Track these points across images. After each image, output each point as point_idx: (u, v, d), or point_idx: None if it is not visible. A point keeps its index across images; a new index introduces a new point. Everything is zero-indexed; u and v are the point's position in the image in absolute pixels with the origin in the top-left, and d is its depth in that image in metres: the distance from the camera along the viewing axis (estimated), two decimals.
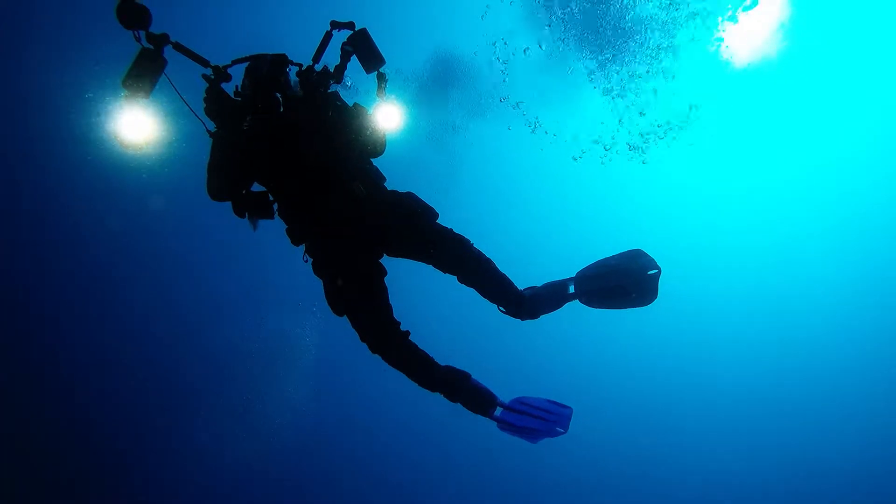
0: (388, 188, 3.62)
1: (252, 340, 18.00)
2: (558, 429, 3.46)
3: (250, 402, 17.84)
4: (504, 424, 3.48)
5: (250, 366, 17.83)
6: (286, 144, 3.30)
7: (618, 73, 12.59)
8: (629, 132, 13.92)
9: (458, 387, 3.46)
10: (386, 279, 3.59)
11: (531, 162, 18.64)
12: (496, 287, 3.62)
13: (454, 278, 3.63)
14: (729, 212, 21.11)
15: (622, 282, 3.66)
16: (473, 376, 3.55)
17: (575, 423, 3.46)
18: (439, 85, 14.87)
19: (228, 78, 3.30)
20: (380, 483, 20.58)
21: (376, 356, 3.46)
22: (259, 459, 18.19)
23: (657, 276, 3.63)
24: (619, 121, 13.85)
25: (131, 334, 18.13)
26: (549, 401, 3.53)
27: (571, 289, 3.83)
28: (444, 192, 16.93)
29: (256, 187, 3.47)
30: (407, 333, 3.52)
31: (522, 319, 3.76)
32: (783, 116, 18.30)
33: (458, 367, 3.55)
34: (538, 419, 3.45)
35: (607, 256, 3.82)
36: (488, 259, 3.60)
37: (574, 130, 15.21)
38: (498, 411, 3.50)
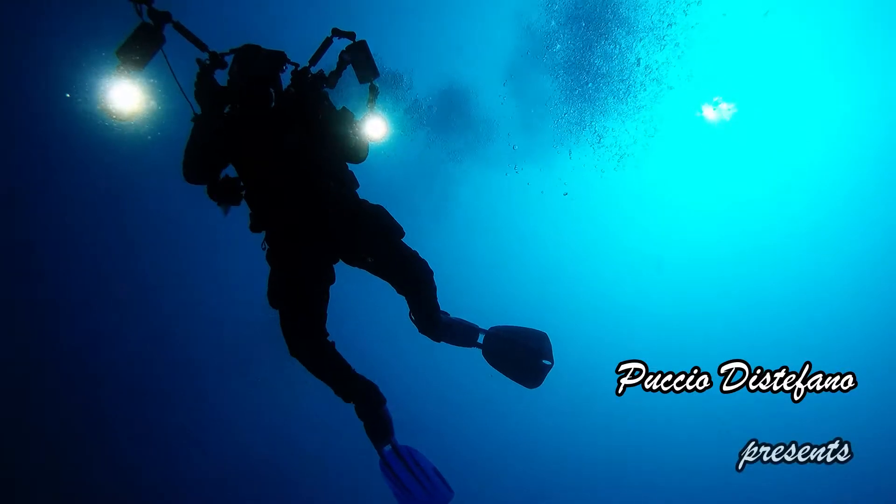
0: (361, 197, 3.66)
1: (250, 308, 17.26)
2: None
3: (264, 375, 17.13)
4: (387, 468, 3.42)
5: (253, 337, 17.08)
6: (271, 137, 3.35)
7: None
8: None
9: (370, 408, 3.49)
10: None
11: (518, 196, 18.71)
12: (427, 309, 3.72)
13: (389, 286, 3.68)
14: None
15: (520, 358, 3.90)
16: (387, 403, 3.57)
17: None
18: (448, 115, 15.21)
19: (224, 65, 3.36)
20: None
21: (295, 360, 3.44)
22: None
23: (548, 368, 3.86)
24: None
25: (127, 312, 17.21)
26: (436, 470, 3.47)
27: (480, 339, 4.03)
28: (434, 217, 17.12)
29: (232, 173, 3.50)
30: (332, 344, 3.53)
31: (422, 333, 3.88)
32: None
33: (378, 389, 3.57)
34: (417, 484, 3.39)
35: (521, 327, 4.04)
36: (436, 287, 3.71)
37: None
38: (388, 448, 3.47)
